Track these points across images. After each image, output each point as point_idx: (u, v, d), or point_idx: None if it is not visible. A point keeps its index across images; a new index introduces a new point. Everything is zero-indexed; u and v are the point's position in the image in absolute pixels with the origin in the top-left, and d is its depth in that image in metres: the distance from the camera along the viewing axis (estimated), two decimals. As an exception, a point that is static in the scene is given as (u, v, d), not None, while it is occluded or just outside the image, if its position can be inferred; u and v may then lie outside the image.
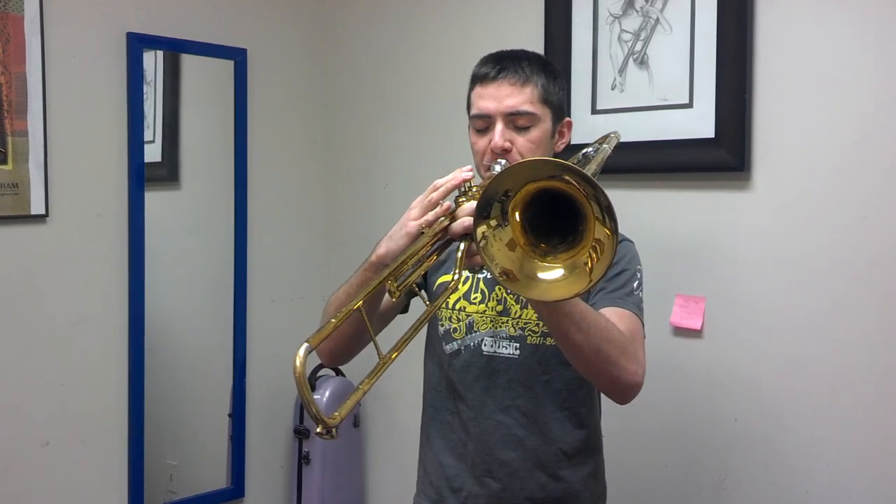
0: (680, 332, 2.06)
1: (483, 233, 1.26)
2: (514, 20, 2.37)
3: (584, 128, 2.10)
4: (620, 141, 1.78)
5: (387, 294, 1.36)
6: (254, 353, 2.74)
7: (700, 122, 2.00)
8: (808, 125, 1.88)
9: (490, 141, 1.54)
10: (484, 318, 1.61)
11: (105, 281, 2.39)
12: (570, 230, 1.25)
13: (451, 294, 1.51)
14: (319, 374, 2.75)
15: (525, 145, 1.54)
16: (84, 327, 2.35)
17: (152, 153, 2.51)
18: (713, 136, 1.98)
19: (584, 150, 1.71)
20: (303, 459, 2.70)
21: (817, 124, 1.86)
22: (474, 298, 1.63)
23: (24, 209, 2.21)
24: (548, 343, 1.57)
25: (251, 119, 2.69)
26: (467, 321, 1.63)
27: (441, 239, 1.39)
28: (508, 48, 1.62)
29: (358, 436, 2.81)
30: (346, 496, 2.75)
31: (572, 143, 1.70)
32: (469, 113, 1.61)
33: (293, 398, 2.79)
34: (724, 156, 1.97)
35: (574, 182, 1.21)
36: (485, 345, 1.61)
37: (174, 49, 2.54)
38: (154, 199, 2.46)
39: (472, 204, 1.33)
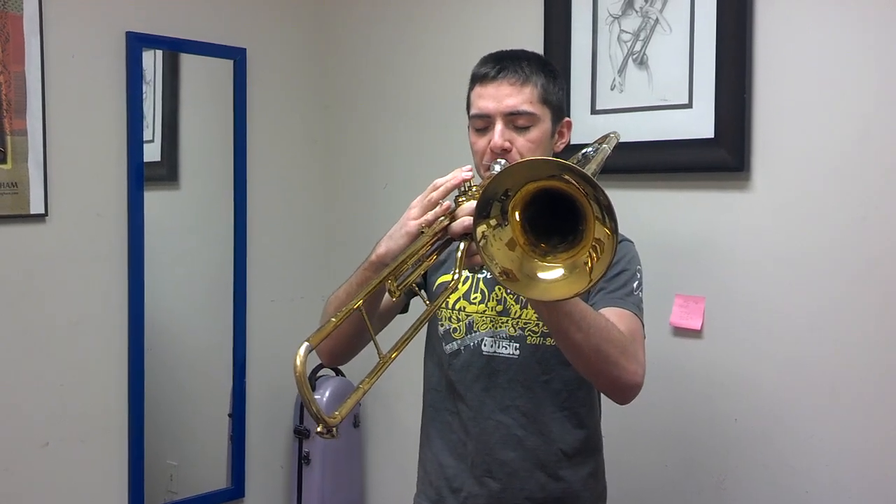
0: (680, 332, 2.06)
1: (483, 232, 1.26)
2: (513, 20, 2.37)
3: (584, 128, 2.10)
4: (620, 141, 1.78)
5: (387, 294, 1.36)
6: (254, 353, 2.74)
7: (700, 123, 2.00)
8: (808, 125, 1.88)
9: (490, 141, 1.54)
10: (484, 318, 1.61)
11: (105, 281, 2.39)
12: (570, 230, 1.25)
13: (450, 294, 1.51)
14: (319, 374, 2.75)
15: (525, 145, 1.54)
16: (84, 327, 2.35)
17: (152, 153, 2.51)
18: (713, 136, 1.98)
19: (583, 151, 1.71)
20: (303, 459, 2.70)
21: (817, 124, 1.86)
22: (474, 298, 1.63)
23: (23, 209, 2.21)
24: (548, 343, 1.57)
25: (251, 119, 2.69)
26: (467, 321, 1.63)
27: (441, 238, 1.39)
28: (508, 48, 1.62)
29: (358, 436, 2.81)
30: (347, 496, 2.75)
31: (572, 143, 1.70)
32: (469, 113, 1.61)
33: (293, 398, 2.79)
34: (723, 156, 1.97)
35: (574, 182, 1.21)
36: (484, 345, 1.61)
37: (173, 49, 2.54)
38: (153, 199, 2.46)
39: (472, 203, 1.33)
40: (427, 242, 1.36)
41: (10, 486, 2.22)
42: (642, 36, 2.10)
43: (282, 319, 2.79)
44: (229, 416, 2.73)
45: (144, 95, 2.46)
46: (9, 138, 2.17)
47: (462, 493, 1.63)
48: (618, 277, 1.54)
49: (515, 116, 1.54)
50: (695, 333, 2.04)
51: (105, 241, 2.39)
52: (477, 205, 1.26)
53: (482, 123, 1.57)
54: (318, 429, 1.12)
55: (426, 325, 1.56)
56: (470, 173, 1.45)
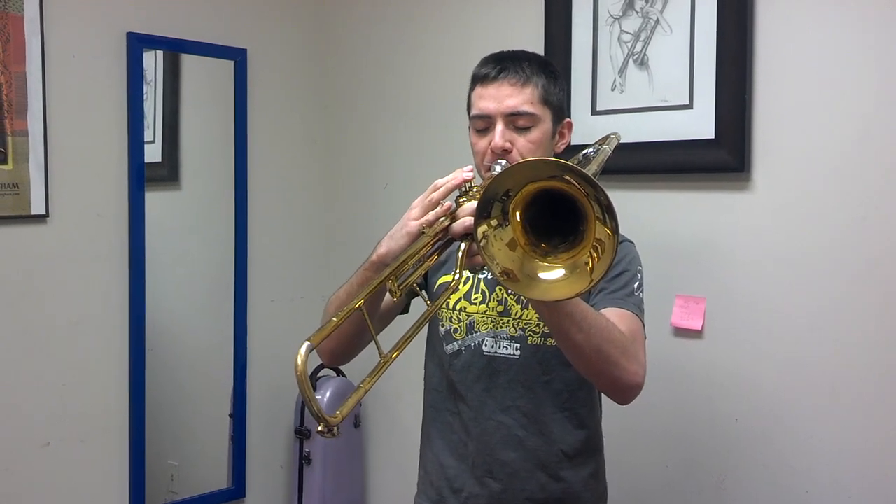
0: (680, 332, 2.06)
1: (484, 232, 1.26)
2: (514, 20, 2.37)
3: (584, 129, 2.10)
4: (621, 142, 1.78)
5: (387, 294, 1.36)
6: (254, 354, 2.74)
7: (700, 123, 2.00)
8: (809, 126, 1.88)
9: (490, 141, 1.54)
10: (485, 318, 1.61)
11: (105, 281, 2.39)
12: (570, 230, 1.25)
13: (451, 294, 1.51)
14: (320, 374, 2.75)
15: (525, 146, 1.54)
16: (84, 327, 2.35)
17: (152, 153, 2.51)
18: (713, 136, 1.98)
19: (584, 151, 1.71)
20: (304, 460, 2.70)
21: (817, 125, 1.87)
22: (475, 299, 1.63)
23: (24, 209, 2.21)
24: (548, 344, 1.57)
25: (251, 119, 2.69)
26: (468, 321, 1.63)
27: (442, 239, 1.39)
28: (508, 49, 1.62)
29: (359, 436, 2.81)
30: (347, 496, 2.75)
31: (572, 143, 1.70)
32: (469, 113, 1.61)
33: (294, 398, 2.79)
34: (724, 156, 1.97)
35: (575, 182, 1.21)
36: (485, 345, 1.61)
37: (174, 49, 2.54)
38: (154, 200, 2.46)
39: (473, 204, 1.33)
40: (428, 243, 1.36)
41: (11, 486, 2.22)
42: (643, 36, 2.10)
43: (282, 319, 2.80)
44: (230, 416, 2.73)
45: (145, 96, 2.46)
46: (10, 139, 2.17)
47: (463, 493, 1.63)
48: (619, 278, 1.55)
49: (516, 117, 1.54)
50: (695, 334, 2.04)
51: (106, 242, 2.39)
52: (478, 205, 1.26)
53: (483, 124, 1.57)
54: (319, 428, 1.12)
55: (427, 325, 1.57)
56: (471, 174, 1.45)
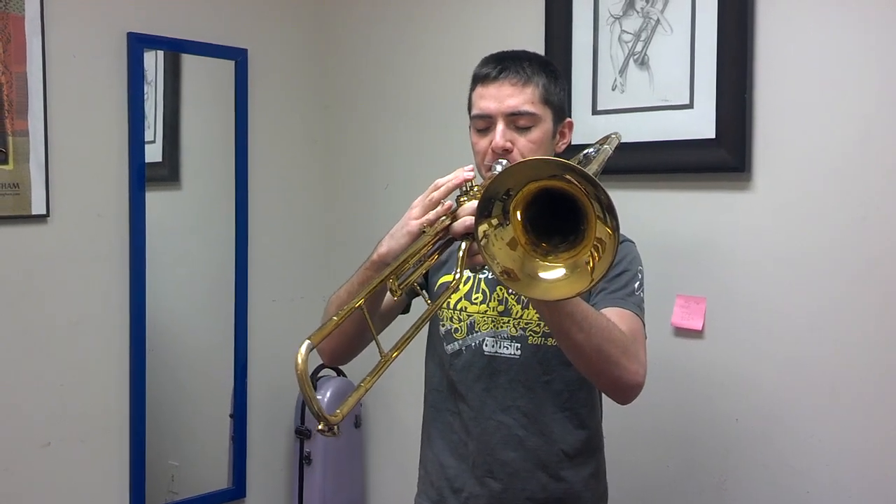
0: (681, 332, 2.06)
1: (484, 231, 1.26)
2: (514, 20, 2.37)
3: (585, 128, 2.10)
4: (621, 141, 1.78)
5: (388, 294, 1.36)
6: (255, 354, 2.74)
7: (700, 123, 2.00)
8: (809, 126, 1.88)
9: (491, 141, 1.54)
10: (485, 318, 1.61)
11: (105, 281, 2.39)
12: (571, 229, 1.25)
13: (452, 294, 1.51)
14: (321, 374, 2.75)
15: (526, 145, 1.54)
16: (84, 327, 2.35)
17: (153, 153, 2.51)
18: (713, 136, 1.98)
19: (585, 151, 1.71)
20: (304, 460, 2.70)
21: (818, 125, 1.87)
22: (476, 298, 1.63)
23: (24, 209, 2.21)
24: (549, 343, 1.57)
25: (252, 119, 2.69)
26: (468, 321, 1.63)
27: (442, 238, 1.39)
28: (509, 48, 1.62)
29: (359, 436, 2.81)
30: (348, 496, 2.75)
31: (573, 143, 1.70)
32: (470, 113, 1.61)
33: (294, 398, 2.79)
34: (724, 156, 1.97)
35: (575, 181, 1.21)
36: (486, 345, 1.61)
37: (175, 49, 2.54)
38: (155, 200, 2.46)
39: (474, 203, 1.33)
40: (429, 242, 1.36)
41: (11, 486, 2.22)
42: (643, 36, 2.10)
43: (283, 319, 2.80)
44: (230, 416, 2.73)
45: (146, 96, 2.46)
46: (10, 139, 2.17)
47: (463, 493, 1.63)
48: (619, 278, 1.55)
49: (517, 117, 1.54)
50: (696, 334, 2.04)
51: (106, 242, 2.39)
52: (478, 204, 1.26)
53: (483, 124, 1.57)
54: (320, 426, 1.12)
55: (427, 325, 1.56)
56: (471, 173, 1.45)
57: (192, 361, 2.71)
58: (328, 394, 2.67)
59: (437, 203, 1.42)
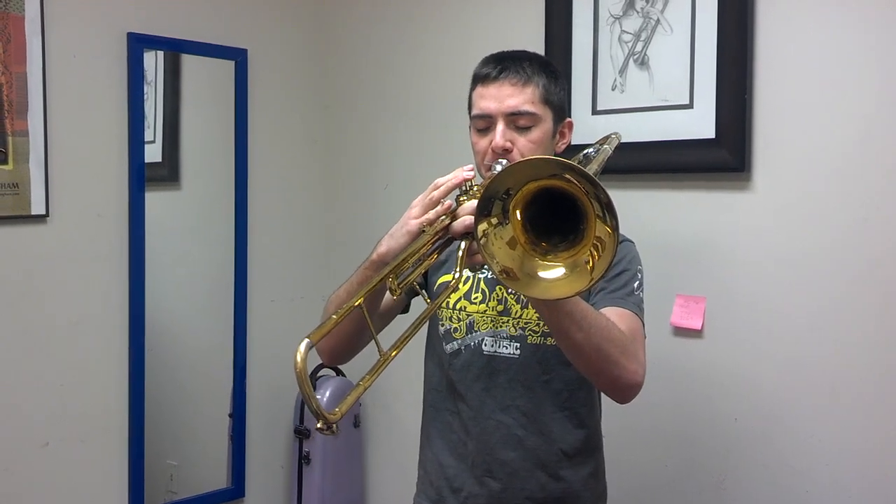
0: (680, 332, 2.06)
1: (484, 231, 1.26)
2: (514, 20, 2.37)
3: (585, 128, 2.10)
4: (621, 141, 1.78)
5: (387, 294, 1.36)
6: (254, 353, 2.74)
7: (700, 123, 2.00)
8: (809, 126, 1.88)
9: (491, 141, 1.54)
10: (484, 317, 1.61)
11: (105, 281, 2.39)
12: (570, 229, 1.25)
13: (451, 293, 1.51)
14: (320, 374, 2.75)
15: (526, 145, 1.54)
16: (84, 327, 2.35)
17: (153, 153, 2.51)
18: (713, 136, 1.98)
19: (585, 151, 1.71)
20: (303, 459, 2.70)
21: (818, 125, 1.87)
22: (475, 298, 1.63)
23: (24, 209, 2.21)
24: (548, 343, 1.57)
25: (251, 119, 2.69)
26: (468, 321, 1.63)
27: (442, 237, 1.39)
28: (509, 48, 1.63)
29: (358, 436, 2.81)
30: (347, 496, 2.75)
31: (573, 143, 1.70)
32: (470, 113, 1.61)
33: (293, 398, 2.79)
34: (724, 156, 1.97)
35: (575, 180, 1.21)
36: (485, 344, 1.61)
37: (174, 49, 2.54)
38: (154, 200, 2.46)
39: (474, 202, 1.33)
40: (428, 241, 1.36)
41: (10, 486, 2.22)
42: (643, 36, 2.10)
43: (282, 319, 2.80)
44: (229, 415, 2.73)
45: (146, 96, 2.46)
46: (10, 139, 2.17)
47: (462, 492, 1.63)
48: (619, 277, 1.55)
49: (517, 117, 1.54)
50: (695, 333, 2.04)
51: (106, 242, 2.39)
52: (478, 203, 1.26)
53: (483, 123, 1.57)
54: (319, 425, 1.12)
55: (427, 324, 1.56)
56: (471, 173, 1.45)
57: (191, 361, 2.71)
58: (327, 393, 2.67)
59: (437, 202, 1.42)
